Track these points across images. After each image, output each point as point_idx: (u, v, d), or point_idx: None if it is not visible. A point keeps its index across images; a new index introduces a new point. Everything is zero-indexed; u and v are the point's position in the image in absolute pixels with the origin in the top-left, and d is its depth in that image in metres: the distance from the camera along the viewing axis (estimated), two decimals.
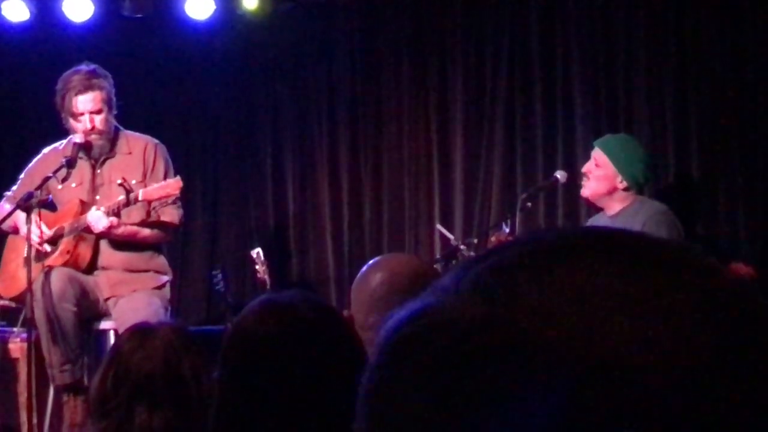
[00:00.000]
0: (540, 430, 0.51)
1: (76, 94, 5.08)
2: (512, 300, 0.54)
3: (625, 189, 4.85)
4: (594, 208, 5.16)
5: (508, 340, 0.52)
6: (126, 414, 2.27)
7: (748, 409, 0.52)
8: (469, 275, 0.56)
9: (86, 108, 5.09)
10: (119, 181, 4.92)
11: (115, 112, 5.20)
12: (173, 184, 5.00)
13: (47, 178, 4.98)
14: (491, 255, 0.57)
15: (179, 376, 2.29)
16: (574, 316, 0.52)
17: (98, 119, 5.10)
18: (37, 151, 5.42)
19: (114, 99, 5.18)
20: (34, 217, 4.87)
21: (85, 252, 5.10)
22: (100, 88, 5.11)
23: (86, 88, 5.08)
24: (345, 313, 2.77)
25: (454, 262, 5.22)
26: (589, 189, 4.92)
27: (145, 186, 5.03)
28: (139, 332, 2.42)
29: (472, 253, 5.23)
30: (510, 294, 0.54)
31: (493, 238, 4.91)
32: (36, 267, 4.88)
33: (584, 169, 4.96)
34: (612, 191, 4.86)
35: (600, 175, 4.86)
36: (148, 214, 5.14)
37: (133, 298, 5.05)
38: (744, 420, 0.52)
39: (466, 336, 0.53)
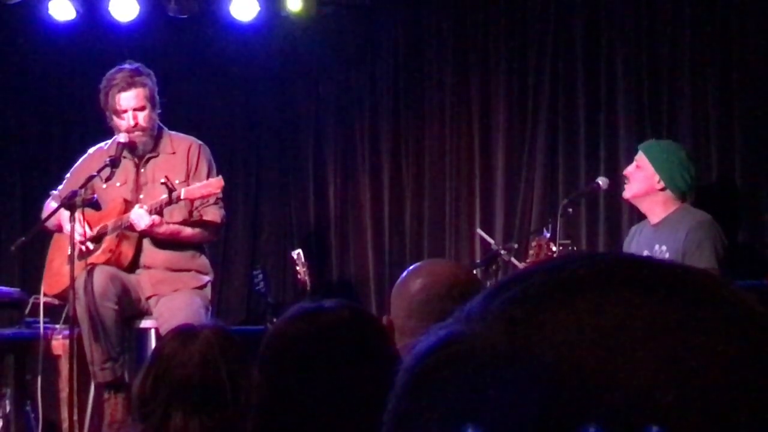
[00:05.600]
0: None
1: (119, 91, 5.13)
2: (536, 332, 0.54)
3: (663, 189, 4.86)
4: (637, 213, 5.15)
5: (530, 373, 0.53)
6: (163, 417, 2.27)
7: None
8: (495, 303, 0.56)
9: (129, 105, 5.14)
10: (162, 180, 4.95)
11: (158, 110, 5.25)
12: (215, 183, 5.03)
13: (91, 177, 5.03)
14: (518, 282, 0.57)
15: (217, 382, 2.29)
16: (598, 350, 0.52)
17: (141, 116, 5.15)
18: (83, 151, 5.48)
19: (157, 97, 5.23)
20: (77, 215, 4.92)
21: (127, 250, 5.14)
22: (143, 86, 5.16)
23: (129, 85, 5.13)
24: (384, 318, 2.77)
25: (494, 266, 5.21)
26: (629, 190, 4.99)
27: (189, 186, 5.07)
28: (181, 335, 2.41)
29: (512, 258, 5.23)
30: (534, 326, 0.54)
31: (533, 243, 4.89)
32: (79, 265, 4.93)
33: (625, 172, 5.04)
34: (650, 191, 4.88)
35: (639, 177, 4.92)
36: (191, 213, 5.18)
37: (175, 298, 5.08)
38: None
39: (487, 368, 0.54)
